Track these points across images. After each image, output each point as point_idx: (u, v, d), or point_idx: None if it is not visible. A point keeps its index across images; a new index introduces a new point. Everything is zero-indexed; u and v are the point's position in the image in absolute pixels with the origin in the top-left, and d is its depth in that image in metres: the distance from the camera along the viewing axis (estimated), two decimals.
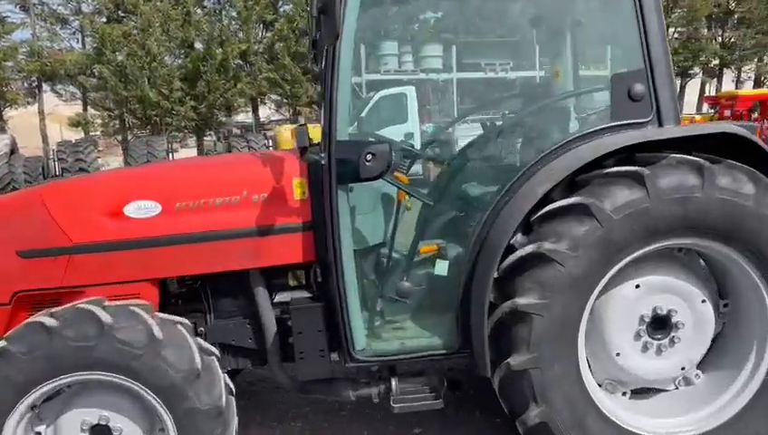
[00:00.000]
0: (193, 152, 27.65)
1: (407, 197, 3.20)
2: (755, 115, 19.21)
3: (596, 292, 2.80)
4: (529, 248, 2.74)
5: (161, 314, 2.88)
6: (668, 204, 2.68)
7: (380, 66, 18.25)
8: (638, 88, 2.91)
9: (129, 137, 26.66)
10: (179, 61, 26.43)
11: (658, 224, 2.70)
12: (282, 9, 28.62)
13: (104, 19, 27.37)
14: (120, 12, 27.29)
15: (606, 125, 2.95)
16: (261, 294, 3.20)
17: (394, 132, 13.89)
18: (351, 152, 2.89)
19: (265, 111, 33.26)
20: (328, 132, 2.91)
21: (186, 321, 2.95)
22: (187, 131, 27.86)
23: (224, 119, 28.23)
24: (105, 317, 2.61)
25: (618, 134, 2.90)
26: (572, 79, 3.76)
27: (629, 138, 2.78)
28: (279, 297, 3.34)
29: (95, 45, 25.60)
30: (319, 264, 3.17)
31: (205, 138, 27.91)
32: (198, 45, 25.69)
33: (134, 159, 20.99)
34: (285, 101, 29.16)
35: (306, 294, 3.27)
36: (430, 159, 3.67)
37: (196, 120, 25.54)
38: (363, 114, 13.62)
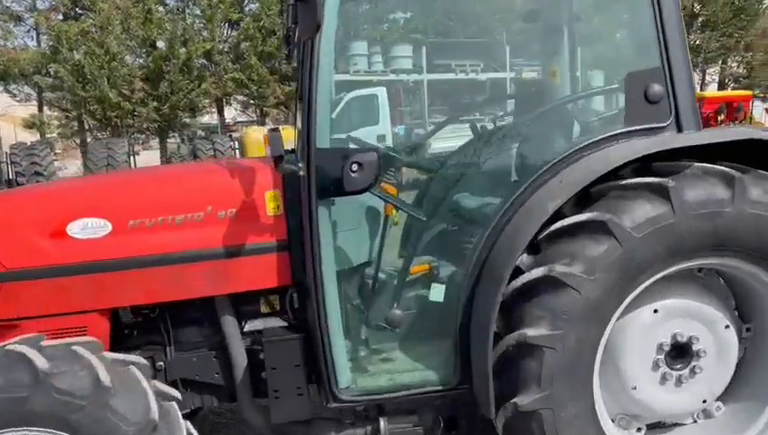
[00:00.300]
0: (156, 155, 26.81)
1: (394, 211, 2.84)
2: (721, 117, 19.46)
3: (614, 320, 2.48)
4: (538, 272, 2.40)
5: (111, 354, 2.45)
6: (696, 220, 2.37)
7: (350, 67, 17.98)
8: (656, 88, 2.60)
9: (89, 139, 25.72)
10: (141, 60, 25.59)
11: (684, 243, 2.39)
12: (248, 8, 27.96)
13: (61, 16, 26.37)
14: (77, 9, 26.32)
15: (620, 130, 2.63)
16: (229, 322, 2.82)
17: (365, 134, 13.63)
18: (334, 162, 2.52)
19: (231, 113, 32.52)
20: (306, 139, 2.53)
21: (141, 360, 2.52)
22: (149, 133, 27.00)
23: (188, 120, 27.43)
24: (40, 362, 2.18)
25: (634, 141, 2.58)
26: (570, 80, 3.46)
27: (651, 145, 2.46)
28: (250, 326, 2.97)
29: (51, 44, 24.60)
30: (296, 288, 2.82)
31: (168, 140, 27.10)
32: (161, 44, 24.88)
33: (93, 163, 20.19)
34: (252, 102, 28.53)
35: (281, 323, 2.91)
36: (419, 168, 3.31)
37: (159, 121, 24.70)
38: (333, 116, 13.30)
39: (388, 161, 2.90)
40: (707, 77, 32.90)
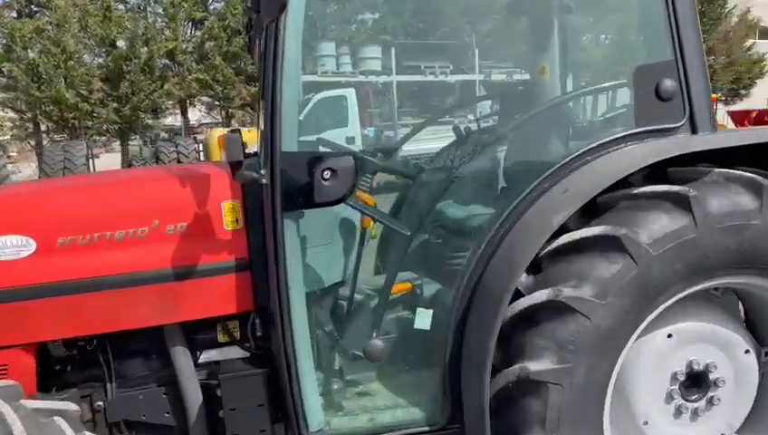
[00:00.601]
0: (117, 157, 25.89)
1: (372, 223, 2.48)
2: None
3: (627, 349, 2.16)
4: (542, 295, 2.07)
5: (32, 403, 2.03)
6: (720, 234, 2.07)
7: (318, 67, 17.58)
8: (668, 84, 2.29)
9: (45, 141, 24.68)
10: (100, 60, 24.63)
11: (707, 260, 2.09)
12: (212, 6, 27.23)
13: (14, 14, 25.31)
14: (32, 6, 25.28)
15: (628, 132, 2.32)
16: (180, 354, 2.44)
17: (334, 136, 13.27)
18: (302, 167, 2.16)
19: (196, 114, 31.69)
20: (269, 141, 2.16)
21: (69, 407, 2.10)
22: (109, 135, 26.05)
23: (150, 122, 26.57)
24: None
25: (645, 143, 2.27)
26: (561, 76, 3.16)
27: (669, 148, 2.16)
28: (206, 356, 2.57)
29: (4, 42, 23.54)
30: (258, 314, 2.44)
31: (130, 142, 26.21)
32: (121, 43, 24.01)
33: (49, 166, 19.28)
34: (217, 103, 27.78)
35: (242, 354, 2.52)
36: (399, 173, 2.95)
37: (120, 123, 23.77)
38: (301, 117, 12.92)
39: (366, 166, 2.54)
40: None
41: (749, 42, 29.91)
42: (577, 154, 2.27)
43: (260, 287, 2.34)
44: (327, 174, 2.12)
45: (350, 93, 14.46)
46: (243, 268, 2.36)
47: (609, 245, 2.05)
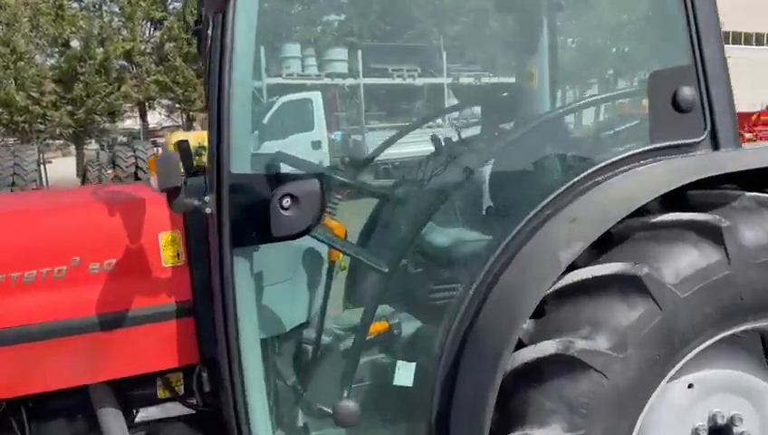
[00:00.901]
0: (72, 163, 24.87)
1: (341, 256, 2.10)
2: None
3: (648, 406, 1.82)
4: (549, 348, 1.71)
5: None
6: (757, 271, 1.75)
7: (282, 70, 17.14)
8: (686, 92, 1.97)
9: None
10: (52, 60, 23.67)
11: (742, 301, 1.77)
12: (171, 6, 26.45)
13: None
14: None
15: (642, 148, 1.98)
16: (110, 416, 2.03)
17: (300, 140, 12.86)
18: (257, 194, 1.77)
19: (156, 117, 30.76)
20: (216, 161, 1.75)
21: None
22: (63, 139, 25.03)
23: (107, 125, 25.63)
24: None
25: (664, 162, 1.94)
26: (550, 84, 2.83)
27: (694, 169, 1.84)
28: (144, 415, 2.17)
29: None
30: (206, 366, 2.04)
31: (86, 146, 25.22)
32: (75, 43, 23.09)
33: None
34: (177, 106, 27.02)
35: (186, 413, 2.12)
36: (375, 194, 2.56)
37: (74, 126, 22.86)
38: (265, 121, 12.50)
39: (335, 187, 2.16)
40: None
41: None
42: (584, 175, 1.92)
43: (206, 335, 1.95)
44: (287, 202, 1.73)
45: (316, 96, 14.04)
46: (185, 313, 1.97)
47: (628, 285, 1.71)
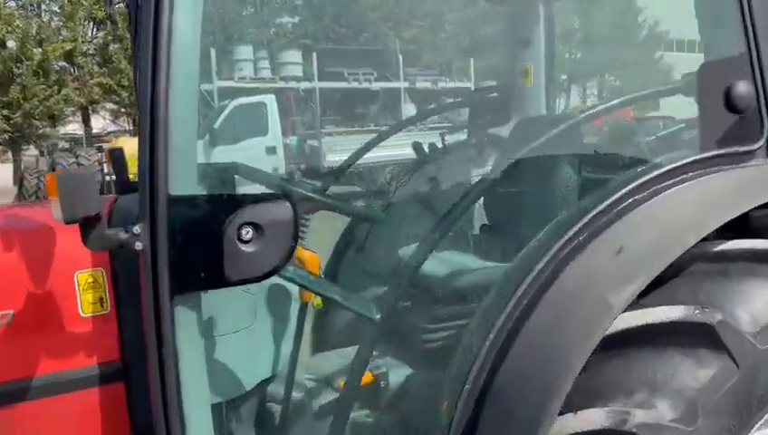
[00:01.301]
0: (8, 169, 23.43)
1: (314, 296, 1.66)
2: None
3: None
4: (598, 418, 1.32)
5: None
6: None
7: (234, 73, 16.53)
8: (742, 90, 1.61)
9: None
10: None
11: None
12: (117, 5, 25.28)
13: None
14: None
15: (690, 159, 1.61)
16: None
17: (253, 145, 12.29)
18: (206, 222, 1.30)
19: (100, 122, 29.37)
20: (149, 180, 1.27)
21: None
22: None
23: (48, 130, 24.27)
24: None
25: (723, 175, 1.57)
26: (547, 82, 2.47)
27: (761, 184, 1.47)
28: None
29: None
30: None
31: (24, 152, 23.80)
32: (11, 44, 21.77)
33: None
34: (123, 110, 25.82)
35: None
36: (358, 216, 2.12)
37: (10, 131, 21.51)
38: (216, 126, 11.91)
39: (308, 208, 1.71)
40: (587, 90, 34.50)
41: (658, 54, 31.19)
42: (624, 192, 1.53)
43: (140, 404, 1.49)
44: (248, 233, 1.28)
45: (270, 100, 13.47)
46: (112, 377, 1.51)
47: (696, 336, 1.33)
